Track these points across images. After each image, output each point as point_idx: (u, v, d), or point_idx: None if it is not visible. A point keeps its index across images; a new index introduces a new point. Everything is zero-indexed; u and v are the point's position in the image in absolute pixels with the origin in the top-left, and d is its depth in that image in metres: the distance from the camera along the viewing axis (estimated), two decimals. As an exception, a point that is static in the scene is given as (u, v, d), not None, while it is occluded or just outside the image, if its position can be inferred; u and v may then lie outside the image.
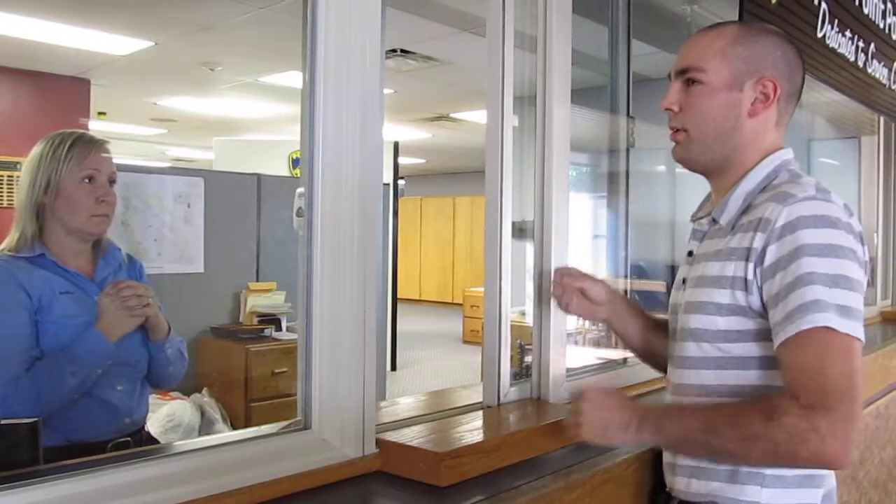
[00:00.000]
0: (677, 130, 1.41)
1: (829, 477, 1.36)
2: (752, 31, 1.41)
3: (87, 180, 1.72)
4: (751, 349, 1.30)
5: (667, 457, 1.45)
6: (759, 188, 1.35)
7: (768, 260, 1.24)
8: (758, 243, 1.26)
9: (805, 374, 1.18)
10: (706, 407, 1.31)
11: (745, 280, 1.28)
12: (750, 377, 1.30)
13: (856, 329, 1.18)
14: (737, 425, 1.22)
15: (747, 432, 1.20)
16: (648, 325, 1.64)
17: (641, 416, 1.31)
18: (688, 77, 1.38)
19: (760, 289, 1.26)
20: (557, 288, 1.66)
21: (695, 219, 1.49)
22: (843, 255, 1.21)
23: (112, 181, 1.78)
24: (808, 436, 1.15)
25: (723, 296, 1.31)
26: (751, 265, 1.27)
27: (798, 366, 1.19)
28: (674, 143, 1.43)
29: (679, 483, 1.38)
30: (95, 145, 1.76)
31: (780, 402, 1.19)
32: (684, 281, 1.42)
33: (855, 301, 1.20)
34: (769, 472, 1.29)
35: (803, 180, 1.31)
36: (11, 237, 1.72)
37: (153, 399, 1.98)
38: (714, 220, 1.40)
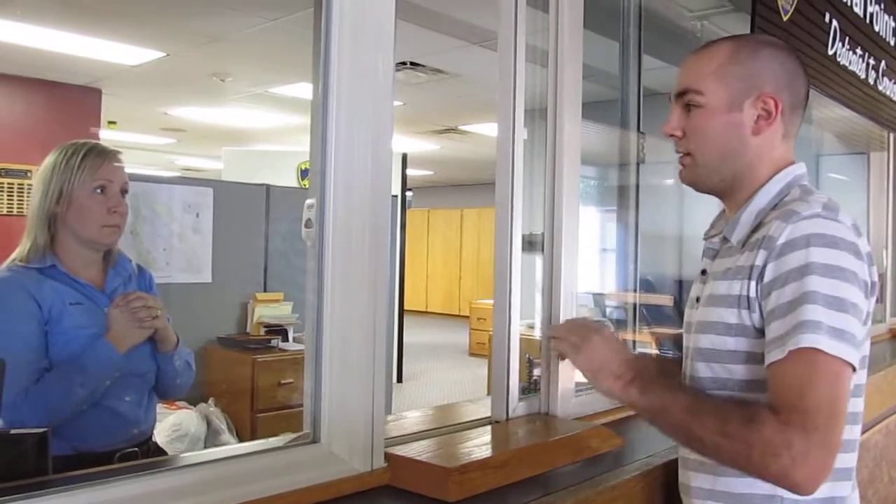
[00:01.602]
0: (684, 154, 1.39)
1: (851, 497, 1.33)
2: (747, 46, 1.37)
3: (99, 190, 1.73)
4: (759, 371, 1.26)
5: (682, 478, 1.43)
6: (770, 205, 1.32)
7: (767, 277, 1.23)
8: (760, 260, 1.24)
9: (788, 393, 1.16)
10: (697, 391, 1.31)
11: (749, 298, 1.26)
12: (759, 400, 1.28)
13: (847, 353, 1.15)
14: (720, 418, 1.20)
15: (727, 428, 1.18)
16: None
17: (637, 373, 1.32)
18: (687, 100, 1.36)
19: (761, 307, 1.25)
20: None
21: (707, 237, 1.47)
22: (842, 277, 1.18)
23: (124, 191, 1.78)
24: (780, 451, 1.13)
25: (731, 315, 1.29)
26: (753, 283, 1.25)
27: (782, 385, 1.17)
28: (681, 167, 1.42)
29: None
30: (108, 156, 1.77)
31: (762, 413, 1.17)
32: (697, 300, 1.40)
33: (850, 325, 1.16)
34: (787, 496, 1.26)
35: (813, 197, 1.28)
36: (23, 247, 1.72)
37: (159, 408, 1.98)
38: (725, 239, 1.38)
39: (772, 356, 1.19)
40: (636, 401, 1.29)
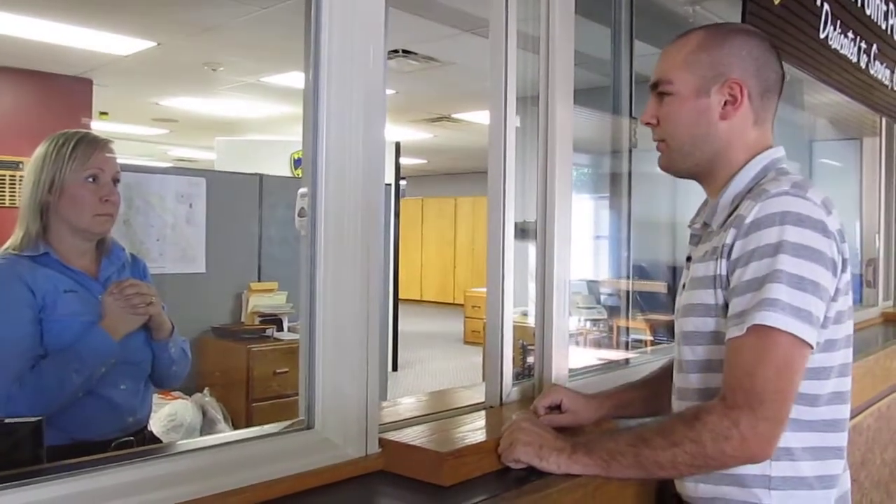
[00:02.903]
0: (659, 142, 1.44)
1: (843, 477, 1.35)
2: (716, 35, 1.40)
3: (91, 179, 1.73)
4: None
5: None
6: (746, 189, 1.34)
7: (734, 255, 1.26)
8: (730, 239, 1.27)
9: (738, 372, 1.21)
10: (639, 424, 1.34)
11: (722, 277, 1.29)
12: None
13: (804, 331, 1.18)
14: (665, 433, 1.25)
15: (674, 438, 1.23)
16: (652, 391, 1.63)
17: (575, 441, 1.34)
18: (660, 90, 1.41)
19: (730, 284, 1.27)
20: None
21: (691, 224, 1.50)
22: (808, 256, 1.20)
23: (116, 181, 1.78)
24: (730, 433, 1.18)
25: (709, 296, 1.31)
26: (724, 261, 1.28)
27: (736, 362, 1.21)
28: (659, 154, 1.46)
29: (688, 487, 1.38)
30: (99, 145, 1.77)
31: (707, 405, 1.23)
32: (684, 286, 1.43)
33: (809, 303, 1.19)
34: (775, 473, 1.28)
35: (784, 177, 1.30)
36: (16, 236, 1.72)
37: (154, 399, 1.98)
38: (706, 224, 1.41)
39: (732, 332, 1.23)
40: (587, 463, 1.30)
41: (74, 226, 1.74)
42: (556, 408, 1.60)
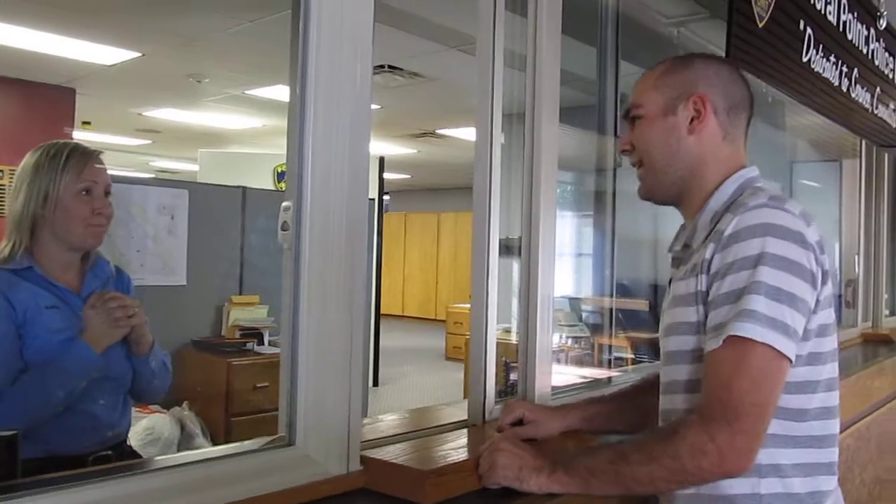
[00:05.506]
0: (638, 166, 1.46)
1: (835, 494, 1.35)
2: (683, 59, 1.46)
3: (84, 192, 1.71)
4: None
5: None
6: (724, 207, 1.35)
7: (713, 268, 1.26)
8: (709, 254, 1.27)
9: (714, 385, 1.20)
10: (617, 441, 1.33)
11: (703, 293, 1.28)
12: None
13: (782, 343, 1.18)
14: (644, 448, 1.24)
15: (652, 453, 1.22)
16: (619, 406, 1.64)
17: (554, 459, 1.33)
18: (632, 116, 1.44)
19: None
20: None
21: (671, 249, 1.50)
22: (786, 268, 1.20)
23: (107, 193, 1.77)
24: (707, 447, 1.17)
25: (691, 313, 1.31)
26: (704, 276, 1.28)
27: (713, 374, 1.21)
28: (638, 182, 1.48)
29: None
30: (92, 157, 1.75)
31: (685, 420, 1.22)
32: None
33: (785, 315, 1.19)
34: (765, 491, 1.27)
35: (761, 192, 1.31)
36: (3, 249, 1.70)
37: (132, 412, 1.96)
38: (687, 246, 1.41)
39: (709, 345, 1.22)
40: (567, 482, 1.29)
41: (66, 239, 1.71)
42: (520, 422, 1.60)
